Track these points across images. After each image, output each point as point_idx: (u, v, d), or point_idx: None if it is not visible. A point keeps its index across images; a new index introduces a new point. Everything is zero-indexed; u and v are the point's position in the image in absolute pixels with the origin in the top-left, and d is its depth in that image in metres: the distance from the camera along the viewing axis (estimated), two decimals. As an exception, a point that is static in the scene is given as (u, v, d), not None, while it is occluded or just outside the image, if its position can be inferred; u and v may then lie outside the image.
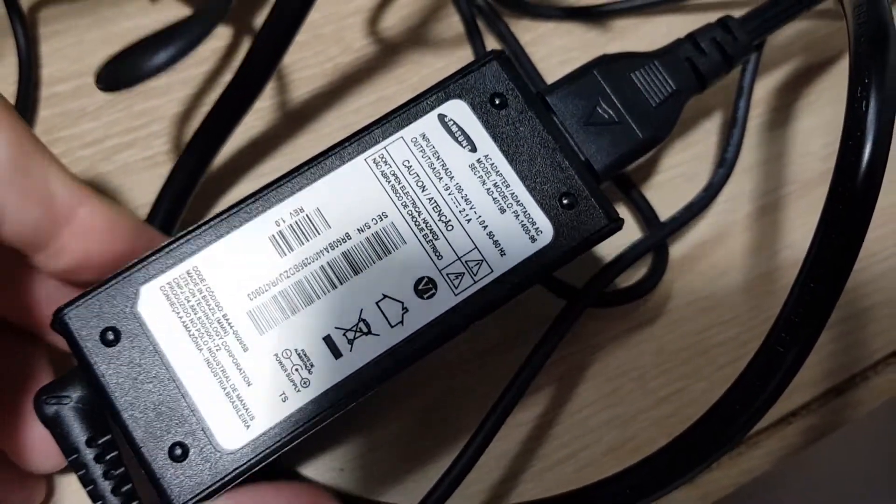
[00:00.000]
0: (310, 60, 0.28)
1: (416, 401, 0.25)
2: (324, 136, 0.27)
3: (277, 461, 0.20)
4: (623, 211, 0.27)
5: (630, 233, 0.27)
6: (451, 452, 0.22)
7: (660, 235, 0.26)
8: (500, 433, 0.24)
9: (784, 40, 0.30)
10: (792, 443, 0.25)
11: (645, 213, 0.27)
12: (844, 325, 0.27)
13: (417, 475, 0.24)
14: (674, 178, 0.28)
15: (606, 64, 0.23)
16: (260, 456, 0.19)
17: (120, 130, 0.27)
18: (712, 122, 0.29)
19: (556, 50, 0.30)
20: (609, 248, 0.26)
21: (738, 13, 0.25)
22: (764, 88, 0.29)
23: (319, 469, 0.24)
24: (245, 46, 0.28)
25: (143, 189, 0.26)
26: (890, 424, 0.28)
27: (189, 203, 0.24)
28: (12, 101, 0.26)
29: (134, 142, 0.27)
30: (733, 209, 0.28)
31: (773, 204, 0.28)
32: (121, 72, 0.19)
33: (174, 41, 0.19)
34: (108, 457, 0.20)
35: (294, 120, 0.27)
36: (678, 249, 0.27)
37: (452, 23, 0.29)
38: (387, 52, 0.29)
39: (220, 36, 0.28)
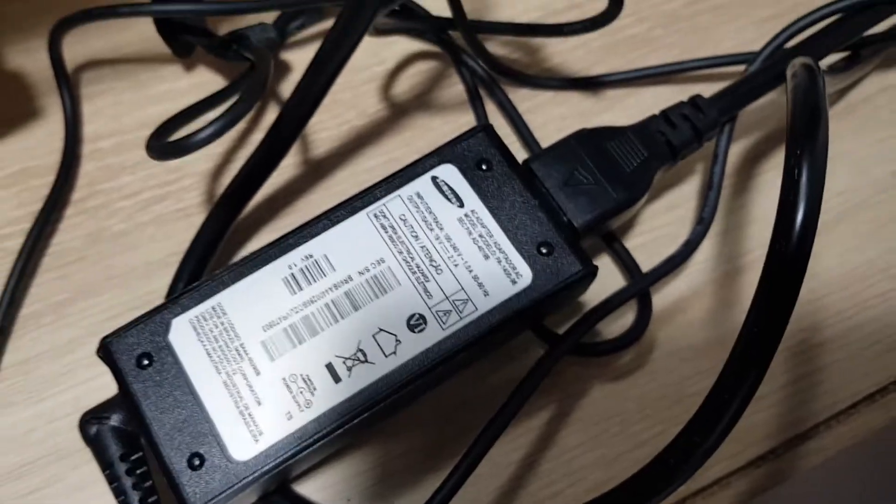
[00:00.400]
0: (328, 123, 0.32)
1: (417, 438, 0.27)
2: (336, 192, 0.31)
3: (289, 489, 0.23)
4: (607, 263, 0.30)
5: (616, 284, 0.30)
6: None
7: (642, 284, 0.29)
8: (490, 471, 0.27)
9: (758, 109, 0.33)
10: (760, 485, 0.28)
11: (627, 264, 0.30)
12: (812, 376, 0.29)
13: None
14: (657, 238, 0.31)
15: (584, 135, 0.26)
16: (267, 467, 0.22)
17: (155, 184, 0.31)
18: (692, 186, 0.32)
19: (553, 118, 0.33)
20: (593, 297, 0.29)
21: (719, 86, 0.29)
22: (738, 155, 0.32)
23: (328, 499, 0.26)
24: (269, 111, 0.32)
25: (177, 238, 0.29)
26: (848, 470, 0.30)
27: (218, 251, 0.27)
28: (58, 155, 0.30)
29: (167, 195, 0.31)
30: (710, 268, 0.31)
31: (748, 264, 0.31)
32: (170, 150, 0.23)
33: (220, 118, 0.23)
34: (137, 471, 0.23)
35: (310, 177, 0.31)
36: (659, 303, 0.30)
37: (457, 91, 0.33)
38: (397, 117, 0.32)
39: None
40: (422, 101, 0.33)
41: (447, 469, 0.25)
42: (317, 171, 0.31)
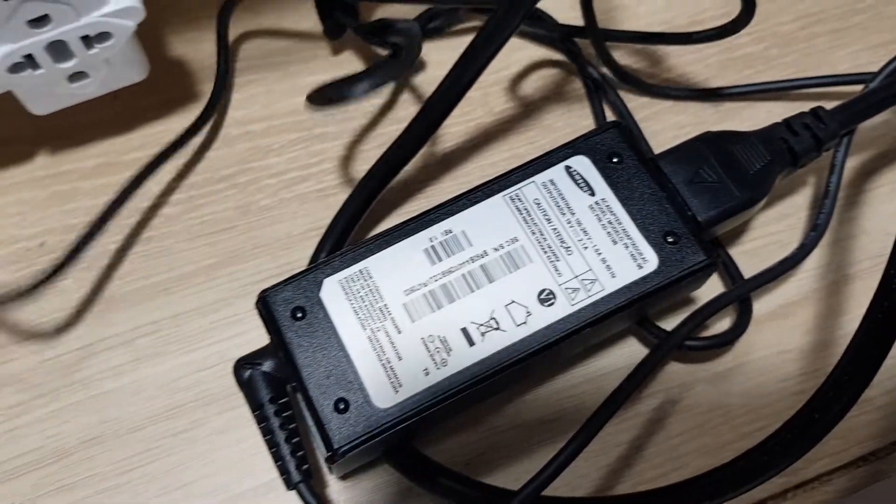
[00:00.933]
0: (458, 119, 0.34)
1: (534, 412, 0.29)
2: (463, 183, 0.33)
3: (412, 447, 0.25)
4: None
5: (714, 288, 0.32)
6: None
7: (756, 283, 0.30)
8: (600, 448, 0.28)
9: (871, 128, 0.34)
10: (859, 483, 0.29)
11: (729, 269, 0.31)
12: (917, 386, 0.30)
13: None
14: (767, 245, 0.33)
15: (709, 137, 0.28)
16: (404, 416, 0.24)
17: (299, 166, 0.34)
18: (803, 197, 0.33)
19: (670, 126, 0.35)
20: (696, 297, 0.31)
21: (833, 103, 0.30)
22: (850, 170, 0.34)
23: (446, 462, 0.29)
24: (402, 106, 0.35)
25: (316, 215, 0.32)
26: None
27: (357, 227, 0.30)
28: (212, 134, 0.33)
29: (309, 176, 0.34)
30: (819, 276, 0.32)
31: (857, 274, 0.32)
32: (328, 93, 0.26)
33: (372, 76, 0.26)
34: (284, 413, 0.26)
35: (440, 167, 0.34)
36: (766, 306, 0.32)
37: (576, 95, 0.35)
38: (521, 117, 0.35)
39: (382, 95, 0.35)
40: (544, 104, 0.36)
41: (559, 444, 0.27)
42: (446, 162, 0.34)
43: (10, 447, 0.29)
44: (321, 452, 0.26)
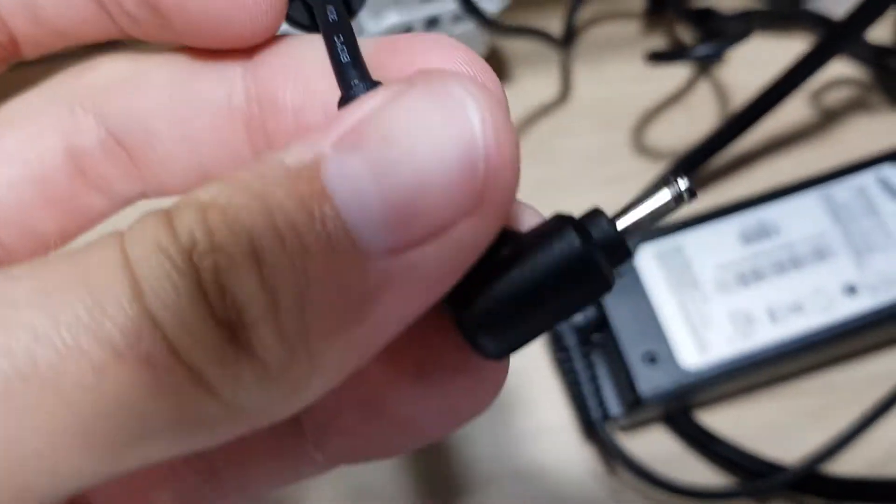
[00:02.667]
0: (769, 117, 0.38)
1: (806, 401, 0.32)
2: (756, 180, 0.36)
3: (690, 416, 0.29)
4: None
5: None
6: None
7: None
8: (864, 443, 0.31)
9: None
10: None
11: None
12: None
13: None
14: None
15: None
16: (706, 377, 0.28)
17: (595, 147, 0.38)
18: None
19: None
20: None
21: None
22: None
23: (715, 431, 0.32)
24: (694, 100, 0.39)
25: (607, 195, 0.37)
26: None
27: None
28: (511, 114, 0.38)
29: (609, 160, 0.38)
30: None
31: None
32: (666, 54, 0.31)
33: (708, 45, 0.31)
34: (586, 359, 0.30)
35: (734, 166, 0.37)
36: None
37: (878, 112, 0.38)
38: (818, 127, 0.38)
39: (678, 82, 0.39)
40: (841, 117, 0.38)
41: (828, 430, 0.30)
42: (739, 164, 0.37)
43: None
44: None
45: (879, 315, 0.28)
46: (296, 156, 0.11)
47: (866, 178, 0.30)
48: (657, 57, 0.32)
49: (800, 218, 0.30)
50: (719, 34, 0.37)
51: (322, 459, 0.16)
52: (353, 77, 0.13)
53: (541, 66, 0.41)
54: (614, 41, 0.41)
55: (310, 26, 0.15)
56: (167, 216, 0.11)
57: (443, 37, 0.14)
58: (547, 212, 0.37)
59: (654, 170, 0.37)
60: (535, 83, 0.41)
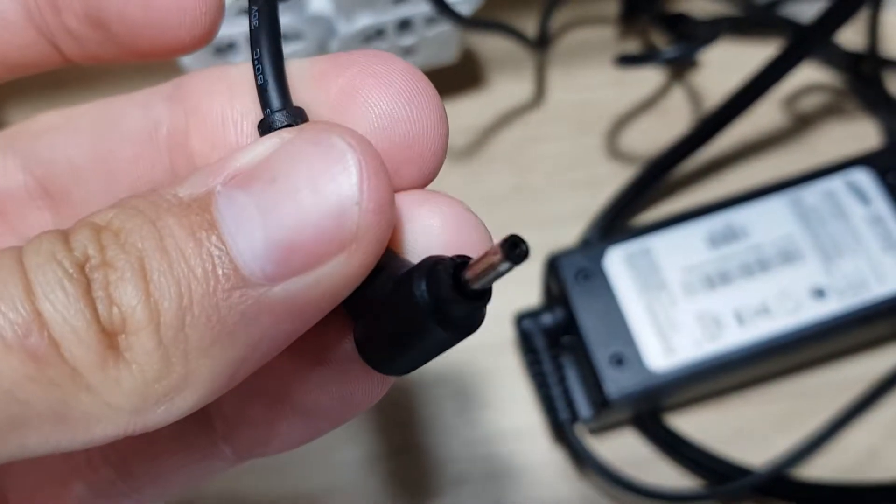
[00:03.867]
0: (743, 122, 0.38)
1: (774, 407, 0.32)
2: (727, 185, 0.36)
3: (659, 418, 0.29)
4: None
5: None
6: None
7: None
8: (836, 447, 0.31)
9: None
10: None
11: None
12: None
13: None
14: None
15: None
16: (673, 378, 0.28)
17: (569, 155, 0.38)
18: None
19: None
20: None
21: None
22: None
23: (684, 435, 0.32)
24: (668, 105, 0.39)
25: (582, 201, 0.37)
26: None
27: (633, 208, 0.34)
28: (489, 119, 0.38)
29: (579, 166, 0.38)
30: None
31: None
32: (635, 58, 0.31)
33: (677, 47, 0.30)
34: (555, 360, 0.30)
35: (705, 171, 0.37)
36: None
37: (847, 119, 0.38)
38: (790, 133, 0.38)
39: (652, 101, 0.39)
40: (813, 123, 0.38)
41: (797, 435, 0.30)
42: (710, 168, 0.37)
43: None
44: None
45: (847, 319, 0.28)
46: (189, 189, 0.13)
47: (835, 182, 0.30)
48: (627, 60, 0.32)
49: (768, 221, 0.30)
50: (691, 39, 0.37)
51: (231, 454, 0.17)
52: (270, 100, 0.14)
53: (515, 69, 0.41)
54: (588, 46, 0.41)
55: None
56: (63, 234, 0.12)
57: (384, 53, 0.15)
58: (520, 215, 0.36)
59: (626, 173, 0.37)
60: (509, 87, 0.40)
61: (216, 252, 0.12)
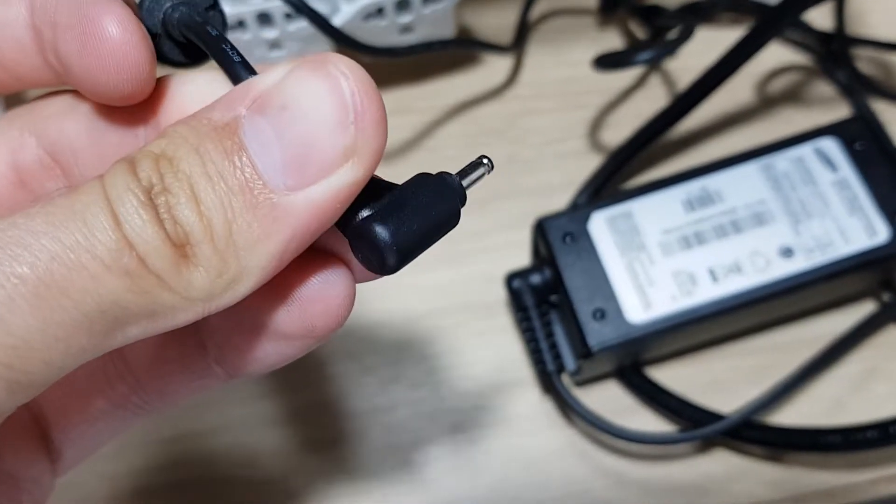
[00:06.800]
0: (705, 104, 0.39)
1: (748, 360, 0.34)
2: (705, 156, 0.38)
3: (641, 369, 0.30)
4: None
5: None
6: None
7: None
8: (806, 399, 0.32)
9: None
10: None
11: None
12: None
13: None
14: None
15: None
16: (651, 330, 0.29)
17: (559, 128, 0.39)
18: None
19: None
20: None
21: None
22: None
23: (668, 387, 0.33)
24: (651, 86, 0.40)
25: (570, 171, 0.38)
26: None
27: (618, 177, 0.35)
28: (489, 92, 0.40)
29: (567, 138, 0.39)
30: None
31: None
32: (612, 60, 0.32)
33: (652, 49, 0.31)
34: (543, 317, 0.31)
35: (686, 144, 0.38)
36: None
37: (818, 94, 0.39)
38: (763, 108, 0.39)
39: (634, 76, 0.40)
40: (786, 101, 0.40)
41: (766, 389, 0.31)
42: (690, 140, 0.39)
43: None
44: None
45: (814, 275, 0.30)
46: (220, 113, 0.16)
47: (805, 150, 0.32)
48: (605, 63, 0.33)
49: (741, 186, 0.31)
50: (666, 30, 0.38)
51: (222, 374, 0.20)
52: (243, 73, 0.17)
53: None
54: (572, 27, 0.42)
55: (183, 62, 0.19)
56: (131, 165, 0.15)
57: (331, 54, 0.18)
58: (512, 184, 0.37)
59: (610, 146, 0.39)
60: (502, 63, 0.42)
61: (248, 171, 0.15)
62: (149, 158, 0.15)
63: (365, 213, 0.16)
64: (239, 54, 0.17)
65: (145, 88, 0.18)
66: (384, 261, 0.16)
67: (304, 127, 0.15)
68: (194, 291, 0.15)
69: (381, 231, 0.16)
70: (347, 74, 0.15)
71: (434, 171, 0.17)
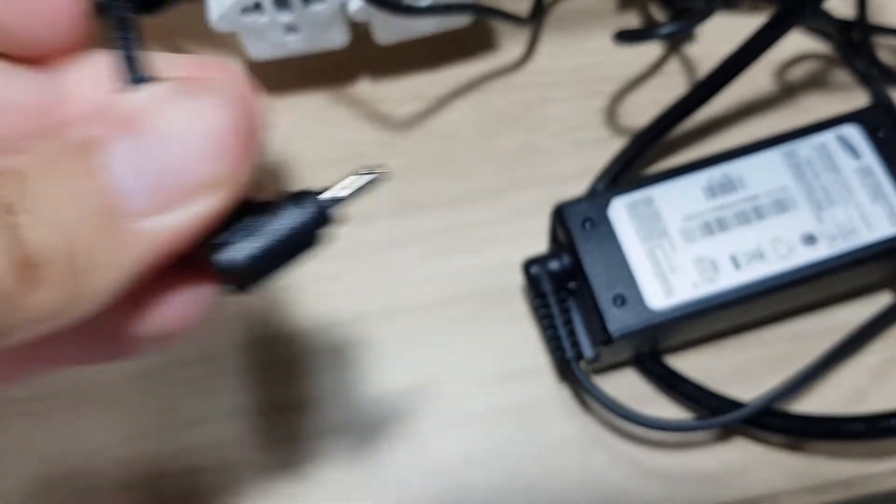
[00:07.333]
0: (723, 92, 0.38)
1: (765, 350, 0.33)
2: (724, 145, 0.37)
3: (659, 356, 0.30)
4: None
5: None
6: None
7: None
8: (824, 388, 0.32)
9: None
10: None
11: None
12: None
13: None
14: None
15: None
16: (672, 316, 0.29)
17: (577, 114, 0.39)
18: None
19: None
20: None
21: None
22: None
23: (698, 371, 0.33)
24: (668, 69, 0.39)
25: (588, 159, 0.37)
26: None
27: (637, 163, 0.35)
28: (504, 80, 0.39)
29: (587, 125, 0.39)
30: None
31: None
32: (633, 34, 0.32)
33: (674, 23, 0.31)
34: (562, 304, 0.31)
35: (706, 132, 0.38)
36: None
37: (837, 83, 0.39)
38: (783, 96, 0.39)
39: (651, 60, 0.40)
40: (806, 90, 0.39)
41: (785, 375, 0.31)
42: (709, 128, 0.38)
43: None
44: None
45: (837, 262, 0.29)
46: (80, 132, 0.15)
47: (828, 137, 0.31)
48: (625, 36, 0.33)
49: (763, 173, 0.31)
50: (687, 11, 0.37)
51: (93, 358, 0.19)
52: (128, 71, 0.16)
53: (525, 34, 0.41)
54: (590, 14, 0.42)
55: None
56: None
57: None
58: (529, 172, 0.37)
59: (628, 134, 0.38)
60: (519, 51, 0.41)
61: (101, 194, 0.15)
62: (6, 177, 0.14)
63: (220, 238, 0.16)
64: (137, 46, 0.16)
65: (74, 36, 0.17)
66: (232, 283, 0.17)
67: (167, 153, 0.15)
68: (41, 312, 0.15)
69: (225, 259, 0.16)
70: (222, 104, 0.15)
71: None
